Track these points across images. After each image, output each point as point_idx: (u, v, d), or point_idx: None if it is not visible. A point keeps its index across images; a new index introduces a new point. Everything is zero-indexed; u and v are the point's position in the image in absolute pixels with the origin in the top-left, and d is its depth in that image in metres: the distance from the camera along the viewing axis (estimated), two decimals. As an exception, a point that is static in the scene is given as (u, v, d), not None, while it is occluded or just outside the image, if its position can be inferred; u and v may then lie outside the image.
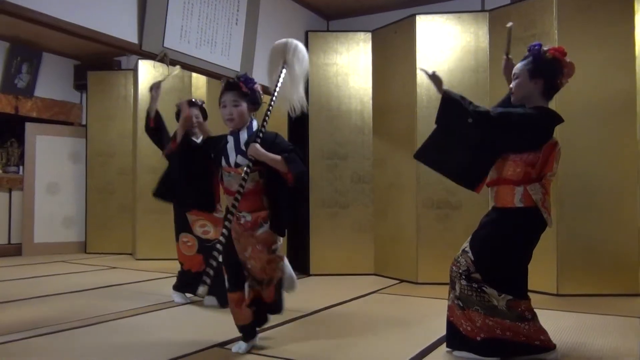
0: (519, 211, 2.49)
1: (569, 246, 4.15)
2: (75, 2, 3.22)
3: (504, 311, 2.49)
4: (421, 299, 4.08)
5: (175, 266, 5.05)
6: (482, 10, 4.95)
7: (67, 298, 4.13)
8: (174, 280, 4.02)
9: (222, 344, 2.80)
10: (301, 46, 2.82)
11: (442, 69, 4.78)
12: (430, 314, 3.56)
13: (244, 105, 2.69)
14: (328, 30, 5.85)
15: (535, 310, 3.71)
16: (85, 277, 5.24)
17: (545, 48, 2.51)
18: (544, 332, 2.56)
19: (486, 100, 4.63)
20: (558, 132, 4.12)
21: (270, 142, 2.62)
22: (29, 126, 7.03)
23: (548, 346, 2.54)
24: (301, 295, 4.27)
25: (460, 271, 2.54)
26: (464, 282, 2.52)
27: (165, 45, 3.75)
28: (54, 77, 7.34)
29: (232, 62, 4.37)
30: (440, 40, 4.83)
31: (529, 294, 4.25)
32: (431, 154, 2.71)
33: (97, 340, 2.93)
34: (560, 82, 2.54)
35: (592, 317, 3.45)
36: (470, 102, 2.49)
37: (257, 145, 2.56)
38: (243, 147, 2.64)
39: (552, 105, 4.16)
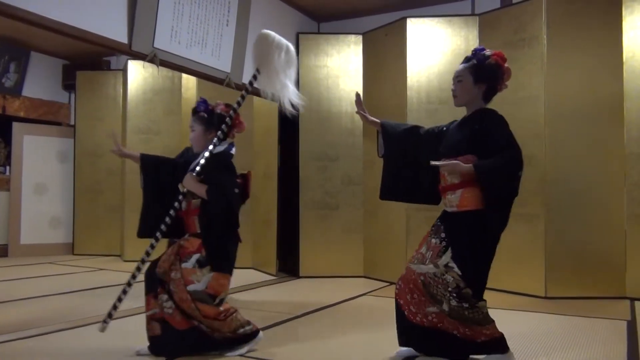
0: (490, 212, 2.41)
1: (556, 249, 4.18)
2: (65, 0, 3.19)
3: (488, 315, 2.47)
4: (410, 301, 4.09)
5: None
6: (472, 14, 4.98)
7: (54, 300, 4.09)
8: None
9: (211, 346, 2.79)
10: (291, 48, 2.66)
11: (432, 71, 4.81)
12: (419, 316, 3.56)
13: (198, 129, 2.75)
14: (319, 33, 5.85)
15: (524, 312, 3.75)
16: (73, 278, 5.20)
17: (487, 53, 2.53)
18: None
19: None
20: (547, 135, 4.19)
21: (209, 168, 2.60)
22: (16, 126, 6.97)
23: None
24: (290, 297, 4.27)
25: (450, 289, 2.39)
26: (454, 303, 2.39)
27: (155, 45, 3.73)
28: (42, 76, 7.28)
29: (222, 63, 4.36)
30: (431, 43, 4.85)
31: (517, 296, 4.32)
32: (394, 189, 2.76)
33: (86, 342, 2.91)
34: (500, 87, 2.58)
35: (580, 319, 3.48)
36: (497, 162, 2.38)
37: (190, 177, 2.60)
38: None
39: (540, 109, 4.23)
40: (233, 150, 2.76)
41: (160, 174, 2.81)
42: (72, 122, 7.36)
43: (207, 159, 2.60)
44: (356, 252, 5.31)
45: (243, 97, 2.66)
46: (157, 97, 6.46)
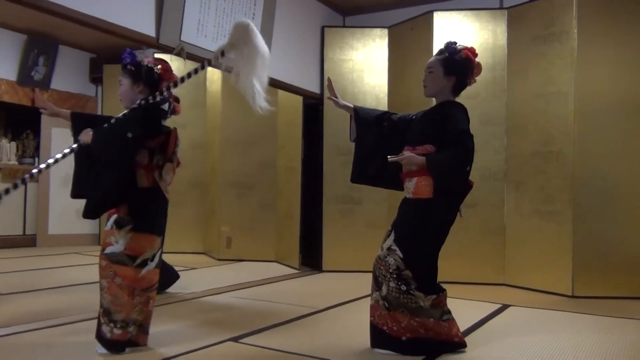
0: (437, 202, 2.52)
1: (584, 247, 4.10)
2: (94, -6, 3.23)
3: (428, 310, 2.53)
4: (434, 298, 4.06)
5: (188, 260, 5.03)
6: (501, 8, 4.89)
7: (81, 289, 4.15)
8: (188, 273, 4.03)
9: (236, 338, 2.81)
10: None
11: (458, 66, 4.75)
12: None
13: (126, 83, 2.63)
14: (344, 26, 5.82)
15: (550, 311, 3.68)
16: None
17: (459, 47, 2.62)
18: (458, 328, 2.62)
19: (503, 98, 4.59)
20: (576, 131, 4.10)
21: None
22: (44, 118, 7.08)
23: (463, 342, 2.61)
24: (313, 291, 4.27)
25: (391, 271, 2.54)
26: (392, 284, 2.52)
27: (182, 38, 3.75)
28: (70, 69, 7.39)
29: (248, 57, 4.36)
30: (458, 37, 4.67)
31: (543, 294, 4.24)
32: (363, 173, 2.86)
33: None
34: (469, 81, 2.67)
35: (607, 319, 3.41)
36: (446, 156, 2.51)
37: (88, 131, 2.52)
38: None
39: (570, 105, 4.15)
40: (165, 107, 2.70)
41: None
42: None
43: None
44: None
45: (196, 71, 2.52)
46: (182, 90, 6.40)
